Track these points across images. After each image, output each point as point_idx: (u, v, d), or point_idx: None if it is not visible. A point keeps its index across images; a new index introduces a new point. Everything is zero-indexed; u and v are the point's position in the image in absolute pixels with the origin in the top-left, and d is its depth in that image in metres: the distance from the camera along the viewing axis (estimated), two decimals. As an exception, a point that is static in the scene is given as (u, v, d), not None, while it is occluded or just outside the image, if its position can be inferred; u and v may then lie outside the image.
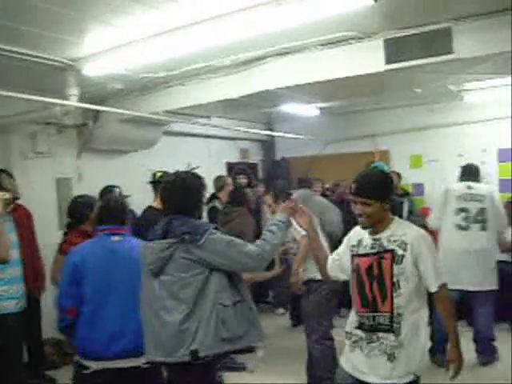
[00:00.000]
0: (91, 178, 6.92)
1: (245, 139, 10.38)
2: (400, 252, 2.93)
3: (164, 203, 3.31)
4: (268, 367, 5.87)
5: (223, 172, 9.05)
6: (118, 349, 3.36)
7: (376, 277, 2.97)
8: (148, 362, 3.31)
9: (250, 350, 3.31)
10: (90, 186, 6.06)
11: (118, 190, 5.80)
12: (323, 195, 7.43)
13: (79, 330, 3.44)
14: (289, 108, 8.11)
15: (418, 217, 6.98)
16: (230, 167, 9.65)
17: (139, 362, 3.37)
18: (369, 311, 2.99)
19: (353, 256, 3.14)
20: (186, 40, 4.51)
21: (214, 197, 7.21)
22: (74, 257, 3.54)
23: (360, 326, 3.03)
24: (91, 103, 6.21)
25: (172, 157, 7.86)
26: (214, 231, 3.13)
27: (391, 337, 2.91)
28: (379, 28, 4.86)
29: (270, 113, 9.07)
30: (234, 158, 10.24)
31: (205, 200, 3.67)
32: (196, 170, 3.42)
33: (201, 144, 9.14)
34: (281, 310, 8.30)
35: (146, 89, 6.47)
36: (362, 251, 3.08)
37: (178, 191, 3.21)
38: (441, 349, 5.09)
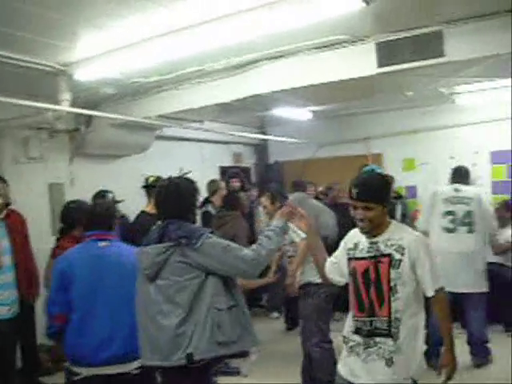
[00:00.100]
0: (84, 182, 6.89)
1: (238, 143, 10.39)
2: (397, 256, 2.91)
3: (159, 208, 3.32)
4: (262, 371, 5.87)
5: (216, 176, 9.05)
6: (108, 355, 3.34)
7: (373, 281, 2.94)
8: (140, 367, 3.32)
9: (244, 354, 3.32)
10: (82, 191, 6.03)
11: (110, 194, 5.77)
12: (316, 198, 7.43)
13: (68, 337, 3.42)
14: (281, 112, 8.12)
15: (410, 220, 7.00)
16: (223, 171, 9.65)
17: (129, 367, 3.38)
18: (366, 316, 2.96)
19: (349, 259, 3.11)
20: (178, 44, 4.51)
21: (207, 201, 7.21)
22: (61, 263, 3.54)
23: (357, 331, 3.00)
24: (83, 108, 6.20)
25: (165, 161, 7.84)
26: (210, 235, 3.16)
27: (389, 341, 2.88)
28: (371, 31, 4.88)
29: (262, 116, 9.09)
30: (227, 162, 10.24)
31: (198, 204, 3.67)
32: (189, 175, 3.44)
33: (194, 148, 9.14)
34: (275, 314, 8.28)
35: (139, 93, 6.47)
36: (358, 254, 3.05)
37: (172, 196, 3.24)
38: (435, 352, 5.09)
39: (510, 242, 6.96)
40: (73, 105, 5.70)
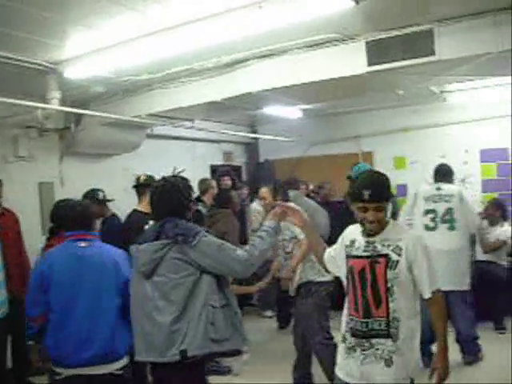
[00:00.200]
0: (74, 182, 6.87)
1: (228, 142, 10.38)
2: (394, 257, 2.87)
3: (154, 208, 3.37)
4: (253, 370, 5.87)
5: (207, 175, 9.03)
6: (88, 355, 3.31)
7: (369, 281, 2.90)
8: (123, 368, 3.35)
9: (236, 353, 3.34)
10: (72, 190, 6.01)
11: (101, 193, 5.76)
12: (307, 197, 7.43)
13: (47, 337, 3.40)
14: (272, 110, 8.11)
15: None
16: (214, 170, 9.63)
17: (111, 368, 3.36)
18: (361, 317, 2.92)
19: (347, 256, 3.06)
20: (168, 42, 4.50)
21: (198, 200, 7.18)
22: (40, 264, 3.54)
23: (353, 333, 2.95)
24: (73, 106, 6.18)
25: (155, 160, 7.82)
26: (206, 234, 3.22)
27: (388, 342, 2.84)
28: (361, 30, 4.88)
29: (253, 115, 9.08)
30: (218, 160, 10.23)
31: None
32: (181, 173, 3.49)
33: (184, 147, 9.12)
34: (269, 313, 8.27)
35: (129, 92, 6.44)
36: (354, 253, 3.01)
37: (169, 194, 3.30)
38: (427, 350, 5.10)
39: (499, 240, 7.02)
40: (62, 103, 5.69)
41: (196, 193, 6.89)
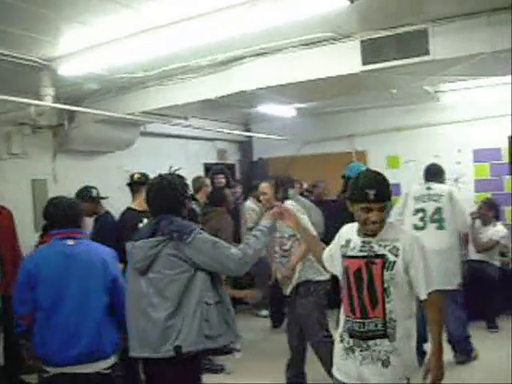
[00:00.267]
0: (67, 179, 6.85)
1: (222, 140, 10.36)
2: (391, 258, 2.85)
3: (150, 204, 3.41)
4: (246, 368, 5.87)
5: (201, 173, 9.01)
6: (74, 353, 3.29)
7: (365, 282, 2.88)
8: (111, 366, 3.35)
9: (228, 351, 3.37)
10: (65, 187, 5.98)
11: (94, 191, 5.74)
12: (301, 195, 7.43)
13: (35, 336, 3.38)
14: (266, 108, 8.11)
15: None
16: (208, 168, 9.62)
17: (98, 367, 3.34)
18: (358, 317, 2.90)
19: (342, 256, 3.04)
20: (163, 40, 4.49)
21: (191, 198, 7.17)
22: (27, 262, 3.52)
23: (350, 333, 2.93)
24: (67, 103, 6.16)
25: (149, 158, 7.82)
26: (201, 231, 3.27)
27: (385, 342, 2.83)
28: (356, 29, 4.89)
29: (247, 113, 9.07)
30: (212, 158, 10.21)
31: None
32: (178, 171, 3.54)
33: (178, 145, 9.10)
34: (264, 312, 8.21)
35: (123, 89, 6.42)
36: (350, 253, 2.98)
37: (164, 191, 3.34)
38: (419, 349, 5.11)
39: (492, 239, 7.05)
40: (56, 100, 5.67)
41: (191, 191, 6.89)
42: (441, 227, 5.60)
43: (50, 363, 3.34)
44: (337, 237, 3.19)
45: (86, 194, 5.65)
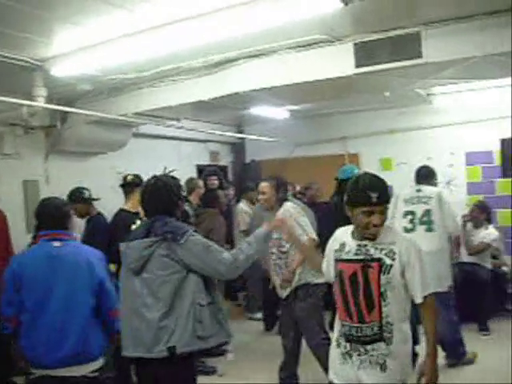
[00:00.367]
0: (59, 180, 6.82)
1: (215, 142, 10.36)
2: (388, 262, 2.82)
3: (145, 205, 3.47)
4: (238, 370, 5.88)
5: (193, 175, 9.01)
6: (60, 356, 3.27)
7: (361, 286, 2.84)
8: (99, 369, 3.34)
9: (220, 353, 3.38)
10: (58, 188, 5.95)
11: (86, 192, 5.73)
12: (294, 198, 7.43)
13: (22, 338, 3.36)
14: (259, 110, 8.12)
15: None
16: (201, 170, 9.62)
17: (85, 370, 3.32)
18: (354, 322, 2.87)
19: (336, 261, 2.99)
20: (156, 41, 4.47)
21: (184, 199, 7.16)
22: (13, 264, 3.49)
23: (347, 338, 2.91)
24: (59, 104, 6.13)
25: (142, 159, 7.80)
26: (194, 233, 3.31)
27: (382, 345, 2.81)
28: (349, 32, 4.89)
29: (240, 115, 9.07)
30: (204, 160, 10.20)
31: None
32: (172, 173, 3.60)
33: (171, 146, 9.08)
34: (258, 315, 8.13)
35: (116, 90, 6.40)
36: (344, 257, 2.94)
37: (160, 192, 3.39)
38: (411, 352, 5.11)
39: (483, 242, 7.08)
40: (48, 101, 5.65)
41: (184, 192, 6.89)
42: (430, 229, 5.56)
43: (36, 365, 3.32)
44: (329, 243, 3.15)
45: (78, 195, 5.64)
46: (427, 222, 5.58)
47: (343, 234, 3.05)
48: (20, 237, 5.66)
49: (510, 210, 8.37)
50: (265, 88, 5.63)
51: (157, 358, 3.16)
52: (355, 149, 9.71)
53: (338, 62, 5.07)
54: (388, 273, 2.81)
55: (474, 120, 8.47)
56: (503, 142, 8.00)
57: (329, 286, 3.38)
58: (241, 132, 10.54)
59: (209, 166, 9.78)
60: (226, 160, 10.96)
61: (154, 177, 3.49)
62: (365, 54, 4.92)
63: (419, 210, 5.61)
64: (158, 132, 8.38)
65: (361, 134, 9.60)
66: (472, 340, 6.09)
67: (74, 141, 7.00)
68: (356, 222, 2.90)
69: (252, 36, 4.61)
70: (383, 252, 2.85)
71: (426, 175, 5.90)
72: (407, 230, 5.57)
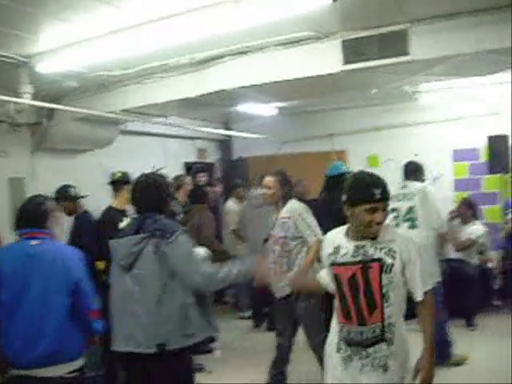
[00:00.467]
0: (45, 177, 6.77)
1: (202, 139, 10.34)
2: (389, 261, 2.76)
3: (136, 203, 3.50)
4: (226, 367, 5.88)
5: (181, 172, 8.98)
6: (35, 355, 3.20)
7: (362, 288, 2.77)
8: (77, 370, 3.28)
9: (209, 350, 3.38)
10: (44, 186, 5.91)
11: (73, 189, 5.70)
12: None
13: (1, 336, 3.29)
14: (246, 107, 8.11)
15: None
16: (188, 167, 9.60)
17: (61, 371, 3.25)
18: (355, 324, 2.81)
19: (332, 264, 2.91)
20: (143, 38, 4.45)
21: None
22: None
23: (348, 342, 2.85)
24: (46, 101, 6.08)
25: (128, 156, 7.77)
26: (184, 234, 3.34)
27: (383, 346, 2.77)
28: (337, 29, 4.90)
29: (227, 112, 9.06)
30: (192, 157, 10.19)
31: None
32: (161, 171, 3.68)
33: (158, 143, 9.05)
34: (247, 314, 8.10)
35: (102, 87, 6.36)
36: (341, 260, 2.86)
37: (150, 190, 3.44)
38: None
39: (470, 238, 7.12)
40: (35, 98, 5.60)
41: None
42: (413, 226, 5.50)
43: (13, 364, 3.26)
44: (322, 247, 3.09)
45: (64, 192, 5.61)
46: (411, 218, 5.54)
47: (336, 237, 2.97)
48: (6, 235, 5.61)
49: (496, 206, 8.44)
50: (252, 85, 5.62)
51: (147, 353, 3.20)
52: (342, 146, 9.74)
53: (326, 59, 5.07)
54: (389, 272, 2.75)
55: (460, 117, 8.51)
56: (490, 138, 8.04)
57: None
58: (228, 129, 10.52)
59: (196, 163, 9.77)
60: (213, 157, 10.95)
61: (144, 174, 3.54)
62: (353, 51, 4.92)
63: (403, 206, 5.56)
64: (145, 129, 8.36)
65: (348, 131, 9.64)
66: (459, 335, 6.11)
67: (60, 138, 6.96)
68: (357, 221, 2.81)
69: (239, 33, 4.60)
70: (383, 251, 2.78)
71: (413, 170, 5.82)
72: None
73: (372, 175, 2.89)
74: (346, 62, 4.96)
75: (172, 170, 7.81)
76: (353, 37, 4.89)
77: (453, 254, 7.10)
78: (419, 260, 2.84)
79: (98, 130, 7.21)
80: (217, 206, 8.47)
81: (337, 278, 2.88)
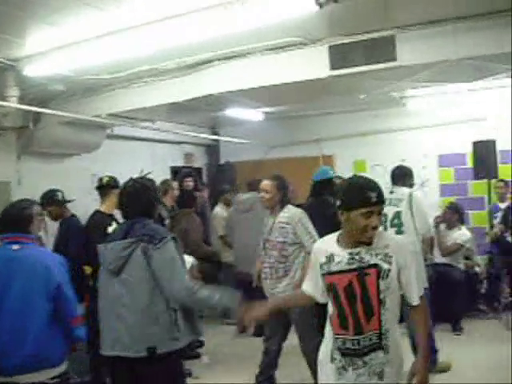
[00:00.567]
0: (32, 182, 6.72)
1: (189, 143, 10.33)
2: (385, 266, 2.70)
3: (124, 207, 3.50)
4: (213, 372, 5.85)
5: (168, 176, 8.97)
6: (16, 361, 3.16)
7: (359, 295, 2.71)
8: (59, 376, 3.25)
9: (196, 355, 3.37)
10: (30, 190, 5.88)
11: (60, 194, 5.66)
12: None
13: None
14: (234, 112, 8.12)
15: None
16: (175, 172, 9.58)
17: (43, 376, 3.21)
18: (351, 334, 2.75)
19: (324, 275, 2.83)
20: (130, 42, 4.45)
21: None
22: None
23: (342, 352, 2.79)
24: (32, 105, 6.05)
25: (116, 161, 7.74)
26: (171, 241, 3.33)
27: (380, 354, 2.72)
28: (324, 34, 4.92)
29: (215, 117, 9.07)
30: (179, 162, 10.17)
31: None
32: (148, 176, 3.74)
33: (145, 148, 9.03)
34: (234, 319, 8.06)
35: (89, 91, 6.34)
36: (335, 268, 2.78)
37: (138, 194, 3.45)
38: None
39: (456, 243, 7.16)
40: (21, 101, 5.58)
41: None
42: (399, 232, 5.43)
43: None
44: (312, 255, 3.04)
45: (51, 197, 5.56)
46: (397, 224, 5.48)
47: (327, 245, 2.90)
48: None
49: (482, 211, 8.49)
50: (239, 90, 5.63)
51: (135, 357, 3.20)
52: (329, 151, 9.77)
53: (313, 65, 5.09)
54: (386, 278, 2.70)
55: (446, 123, 8.58)
56: (475, 144, 8.08)
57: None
58: (215, 134, 10.53)
59: (183, 167, 9.75)
60: (200, 162, 10.94)
61: (132, 179, 3.55)
62: (340, 56, 4.94)
63: (390, 212, 5.49)
64: (132, 134, 8.33)
65: (335, 136, 9.67)
66: (445, 340, 6.13)
67: (46, 142, 6.93)
68: (352, 226, 2.74)
69: (227, 38, 4.61)
70: (379, 257, 2.73)
71: (401, 175, 5.75)
72: None
73: (366, 179, 2.86)
74: (333, 67, 4.98)
75: (159, 174, 7.81)
76: (339, 42, 4.92)
77: (439, 259, 7.13)
78: (414, 264, 2.82)
79: (85, 134, 7.18)
80: (204, 210, 8.45)
81: (332, 288, 2.80)
